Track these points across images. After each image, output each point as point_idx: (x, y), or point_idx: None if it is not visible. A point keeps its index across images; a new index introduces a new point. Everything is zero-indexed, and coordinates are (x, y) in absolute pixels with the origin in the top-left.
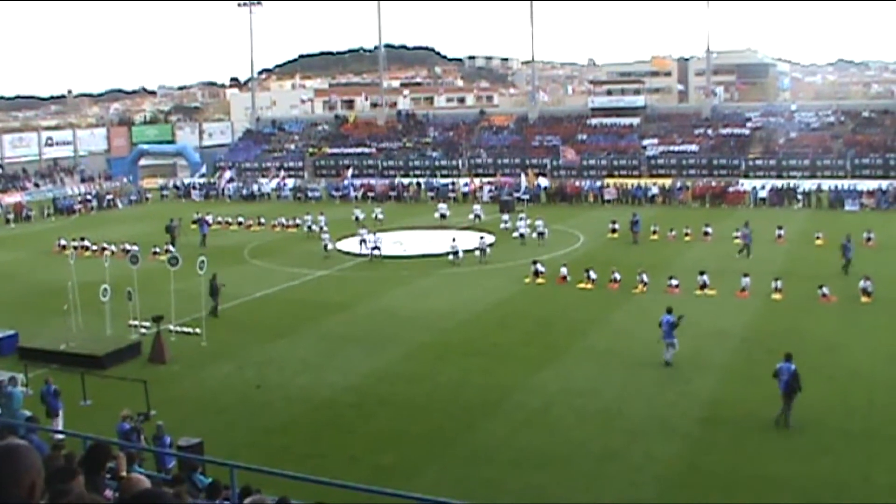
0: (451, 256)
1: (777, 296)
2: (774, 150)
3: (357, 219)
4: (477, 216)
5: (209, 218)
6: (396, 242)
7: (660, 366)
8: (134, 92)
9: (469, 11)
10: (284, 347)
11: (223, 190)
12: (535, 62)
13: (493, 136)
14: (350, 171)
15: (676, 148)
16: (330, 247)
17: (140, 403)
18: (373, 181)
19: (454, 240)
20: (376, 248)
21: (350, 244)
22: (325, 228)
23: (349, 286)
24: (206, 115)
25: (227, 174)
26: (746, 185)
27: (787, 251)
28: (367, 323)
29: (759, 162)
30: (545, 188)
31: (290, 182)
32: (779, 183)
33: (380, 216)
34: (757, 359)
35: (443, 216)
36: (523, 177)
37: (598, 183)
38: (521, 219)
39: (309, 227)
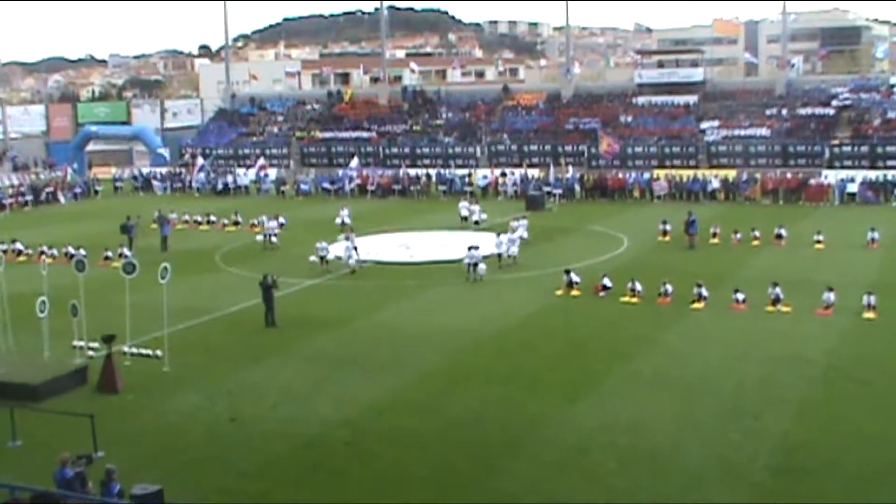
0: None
1: (870, 314)
2: (867, 135)
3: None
4: (464, 217)
5: (173, 216)
6: (402, 246)
7: (722, 398)
8: (79, 61)
9: None
10: (265, 372)
11: (191, 182)
12: (569, 27)
13: (518, 117)
14: (356, 160)
15: (743, 132)
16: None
17: (86, 443)
18: (372, 172)
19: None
20: (350, 257)
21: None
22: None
23: (344, 298)
24: (170, 90)
25: (200, 161)
26: (830, 177)
27: (883, 259)
28: (366, 343)
29: (846, 149)
30: (579, 179)
31: (273, 173)
32: (872, 175)
33: (346, 220)
34: (843, 392)
35: (464, 219)
36: (552, 167)
37: (646, 175)
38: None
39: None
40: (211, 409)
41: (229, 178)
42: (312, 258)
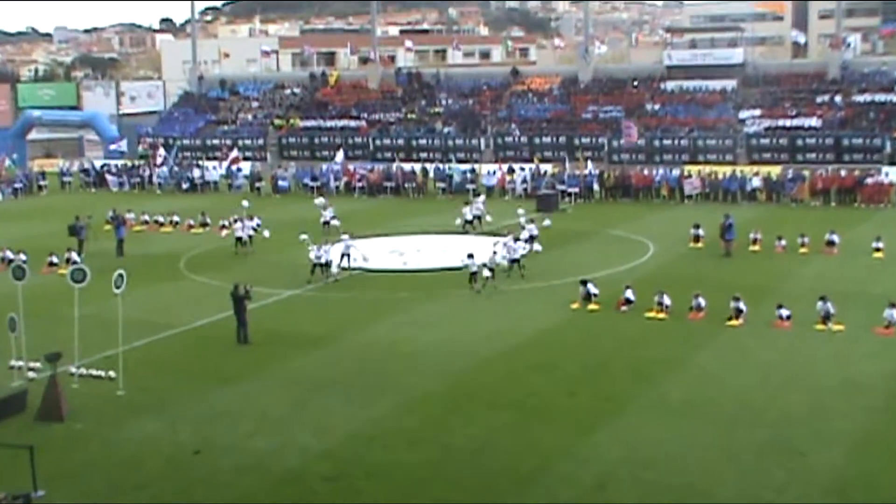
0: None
1: None
2: None
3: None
4: (468, 221)
5: (130, 216)
6: (395, 252)
7: (764, 429)
8: (19, 35)
9: None
10: (236, 397)
11: (152, 177)
12: (588, 1)
13: (528, 105)
14: (341, 154)
15: (789, 122)
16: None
17: (24, 479)
18: (360, 167)
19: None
20: (326, 262)
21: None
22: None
23: (329, 312)
24: (127, 70)
25: (162, 153)
26: (892, 174)
27: None
28: (353, 363)
29: None
30: (599, 176)
31: (247, 167)
32: None
33: (333, 221)
34: None
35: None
36: (567, 162)
37: (676, 172)
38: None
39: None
40: (173, 438)
41: (196, 173)
42: (313, 257)
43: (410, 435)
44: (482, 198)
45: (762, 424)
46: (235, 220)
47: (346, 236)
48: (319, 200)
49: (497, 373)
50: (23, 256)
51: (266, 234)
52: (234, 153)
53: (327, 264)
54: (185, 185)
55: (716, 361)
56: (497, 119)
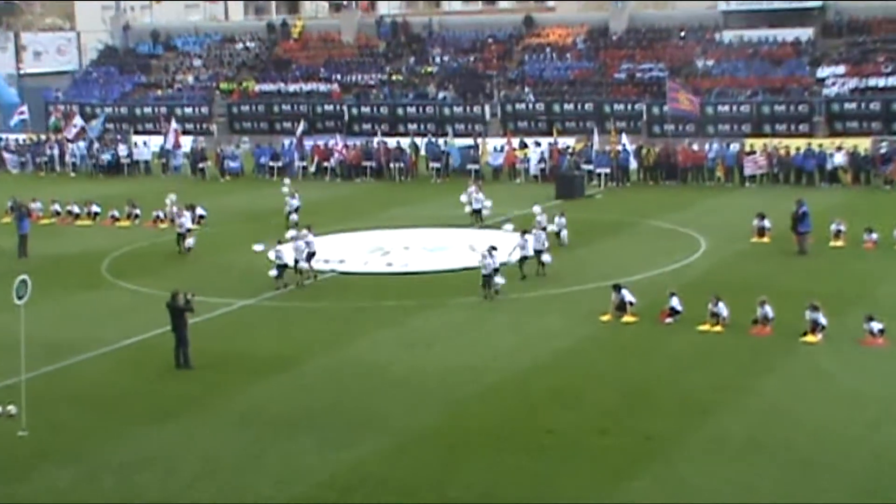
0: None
1: None
2: None
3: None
4: (476, 211)
5: (36, 206)
6: (377, 250)
7: (851, 476)
8: None
9: None
10: (174, 437)
11: (63, 155)
12: None
13: (546, 63)
14: (302, 126)
15: (881, 82)
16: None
17: None
18: (333, 142)
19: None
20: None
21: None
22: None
23: (294, 327)
24: (29, 18)
25: (78, 122)
26: None
27: None
28: (326, 392)
29: None
30: (636, 152)
31: (187, 142)
32: None
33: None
34: None
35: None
36: (595, 135)
37: (735, 146)
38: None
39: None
40: (92, 491)
41: (122, 150)
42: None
43: (398, 483)
44: (474, 187)
45: (848, 470)
46: (183, 212)
47: (303, 231)
48: (286, 188)
49: (507, 404)
50: None
51: (190, 241)
52: (174, 126)
53: (285, 266)
54: (107, 166)
55: (787, 388)
56: (506, 81)
